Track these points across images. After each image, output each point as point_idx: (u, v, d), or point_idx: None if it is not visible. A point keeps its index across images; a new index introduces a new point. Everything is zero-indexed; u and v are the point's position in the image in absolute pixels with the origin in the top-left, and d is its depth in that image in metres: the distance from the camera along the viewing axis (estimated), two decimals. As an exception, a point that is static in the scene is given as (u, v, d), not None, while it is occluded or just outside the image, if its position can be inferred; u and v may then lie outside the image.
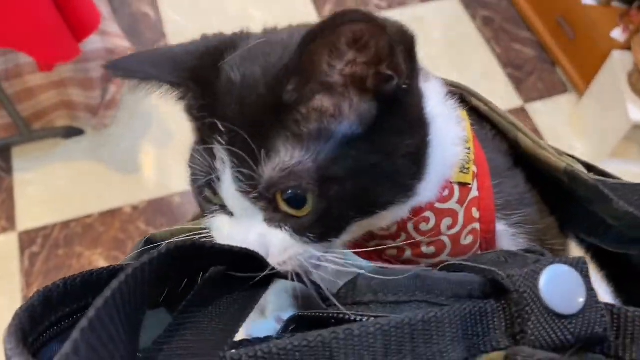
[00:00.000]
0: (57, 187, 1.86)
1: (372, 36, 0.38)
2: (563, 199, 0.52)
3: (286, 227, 0.44)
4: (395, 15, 2.29)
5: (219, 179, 0.44)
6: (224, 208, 0.47)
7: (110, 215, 1.80)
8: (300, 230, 0.44)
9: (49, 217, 1.79)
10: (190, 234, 0.52)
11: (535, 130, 2.00)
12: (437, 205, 0.49)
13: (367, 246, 0.48)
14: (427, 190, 0.47)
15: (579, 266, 0.34)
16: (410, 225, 0.49)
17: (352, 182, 0.42)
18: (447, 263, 0.43)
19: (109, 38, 1.85)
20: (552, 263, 0.34)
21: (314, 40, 0.38)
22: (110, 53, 1.83)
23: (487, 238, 0.51)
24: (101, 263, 1.71)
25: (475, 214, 0.50)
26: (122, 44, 1.89)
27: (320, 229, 0.44)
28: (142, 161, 1.92)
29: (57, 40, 1.50)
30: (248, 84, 0.43)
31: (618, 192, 0.45)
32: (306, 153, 0.41)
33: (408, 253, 0.50)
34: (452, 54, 2.22)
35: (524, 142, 0.53)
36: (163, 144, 1.95)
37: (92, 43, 1.74)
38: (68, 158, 1.91)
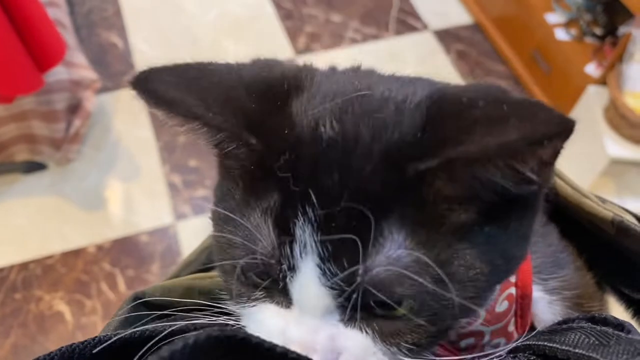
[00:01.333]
0: (15, 226, 1.75)
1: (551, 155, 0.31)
2: (604, 250, 0.47)
3: (367, 330, 0.34)
4: (370, 49, 2.28)
5: (291, 266, 0.34)
6: (272, 296, 0.37)
7: (73, 255, 1.70)
8: (392, 336, 0.35)
9: (6, 258, 1.68)
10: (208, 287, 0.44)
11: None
12: None
13: None
14: None
15: None
16: None
17: (471, 280, 0.34)
18: (524, 343, 0.36)
19: (75, 69, 1.78)
20: None
21: (489, 152, 0.30)
22: (75, 84, 1.76)
23: (523, 303, 0.45)
24: (62, 307, 1.60)
25: (512, 277, 0.44)
26: (88, 75, 1.82)
27: (421, 337, 0.35)
28: (108, 198, 1.82)
29: (19, 71, 1.43)
30: (354, 148, 0.33)
31: None
32: (422, 245, 0.33)
33: None
34: (427, 87, 2.20)
35: (563, 189, 0.49)
36: (129, 179, 1.86)
37: (57, 74, 1.67)
38: (28, 194, 1.81)
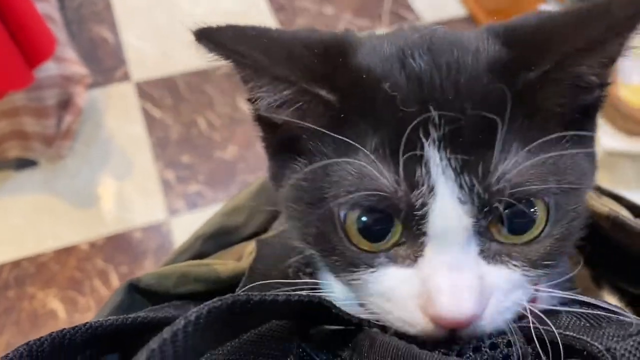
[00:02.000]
0: (7, 224, 1.73)
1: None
2: (601, 243, 0.47)
3: (513, 261, 0.34)
4: (362, 41, 2.27)
5: (430, 189, 0.33)
6: (395, 256, 0.35)
7: (66, 252, 1.69)
8: (535, 260, 0.35)
9: (-2, 256, 1.67)
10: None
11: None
12: None
13: None
14: None
15: None
16: None
17: (584, 189, 0.36)
18: (519, 326, 0.36)
19: (65, 64, 1.77)
20: None
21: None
22: (66, 80, 1.75)
23: None
24: (56, 304, 1.59)
25: None
26: (78, 71, 1.80)
27: (558, 255, 0.36)
28: (100, 194, 1.81)
29: (9, 67, 1.41)
30: (459, 69, 0.35)
31: None
32: (542, 151, 0.34)
33: None
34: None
35: None
36: (122, 175, 1.85)
37: (47, 70, 1.66)
38: (20, 191, 1.79)
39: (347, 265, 0.36)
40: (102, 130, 1.94)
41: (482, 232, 0.34)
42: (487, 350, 0.33)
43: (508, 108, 0.33)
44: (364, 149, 0.34)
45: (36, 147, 1.79)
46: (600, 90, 0.38)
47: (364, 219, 0.34)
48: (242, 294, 0.29)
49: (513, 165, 0.33)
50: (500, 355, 0.33)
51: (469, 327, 0.33)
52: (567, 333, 0.32)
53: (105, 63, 2.13)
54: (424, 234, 0.34)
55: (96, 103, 2.00)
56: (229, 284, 0.46)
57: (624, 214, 0.45)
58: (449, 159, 0.32)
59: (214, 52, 0.35)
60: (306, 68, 0.35)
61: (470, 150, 0.32)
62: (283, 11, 2.36)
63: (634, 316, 0.34)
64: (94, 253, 1.69)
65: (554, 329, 0.33)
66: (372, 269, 0.35)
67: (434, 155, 0.32)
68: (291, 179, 0.38)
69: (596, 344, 0.30)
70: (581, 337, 0.31)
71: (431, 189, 0.32)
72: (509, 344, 0.33)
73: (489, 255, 0.34)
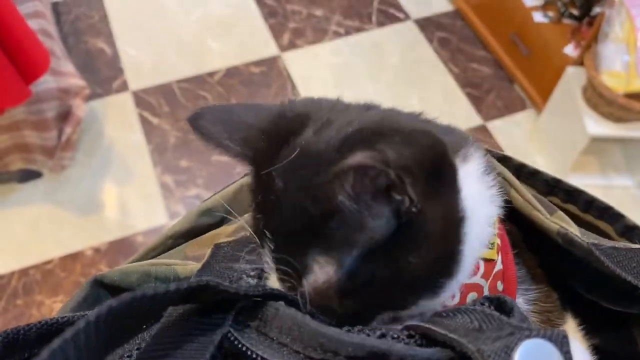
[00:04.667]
0: (13, 234, 1.79)
1: (377, 173, 0.38)
2: (559, 256, 0.50)
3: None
4: (353, 41, 2.31)
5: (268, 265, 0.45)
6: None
7: (71, 259, 1.74)
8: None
9: (5, 265, 1.72)
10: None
11: (498, 148, 2.01)
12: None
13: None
14: (461, 276, 0.46)
15: (558, 341, 0.31)
16: None
17: (368, 290, 0.42)
18: (414, 324, 0.39)
19: (63, 77, 1.81)
20: (528, 337, 0.32)
21: (334, 178, 0.39)
22: (64, 93, 1.79)
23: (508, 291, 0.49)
24: (63, 310, 1.64)
25: (500, 286, 0.48)
26: (76, 83, 1.85)
27: (348, 321, 0.43)
28: (102, 201, 1.87)
29: (4, 84, 1.46)
30: (286, 198, 0.43)
31: (613, 257, 0.43)
32: (334, 266, 0.42)
33: None
34: (411, 77, 2.24)
35: (517, 200, 0.52)
36: (123, 182, 1.90)
37: (45, 83, 1.71)
38: (24, 202, 1.85)
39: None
40: (102, 140, 1.99)
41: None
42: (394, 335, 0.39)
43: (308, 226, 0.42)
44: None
45: (38, 158, 1.84)
46: (410, 204, 0.41)
47: None
48: (137, 291, 0.33)
49: (312, 276, 0.42)
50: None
51: None
52: (451, 335, 0.35)
53: (103, 74, 2.19)
54: None
55: (96, 113, 2.06)
56: None
57: (572, 230, 0.48)
58: (274, 263, 0.44)
59: (196, 133, 0.48)
60: (253, 149, 0.46)
61: (286, 262, 0.43)
62: (274, 16, 2.40)
63: (517, 322, 0.37)
64: (98, 258, 1.74)
65: (440, 331, 0.36)
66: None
67: (267, 252, 0.44)
68: None
69: (470, 345, 0.32)
70: (459, 339, 0.34)
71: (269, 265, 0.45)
72: (410, 336, 0.38)
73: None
